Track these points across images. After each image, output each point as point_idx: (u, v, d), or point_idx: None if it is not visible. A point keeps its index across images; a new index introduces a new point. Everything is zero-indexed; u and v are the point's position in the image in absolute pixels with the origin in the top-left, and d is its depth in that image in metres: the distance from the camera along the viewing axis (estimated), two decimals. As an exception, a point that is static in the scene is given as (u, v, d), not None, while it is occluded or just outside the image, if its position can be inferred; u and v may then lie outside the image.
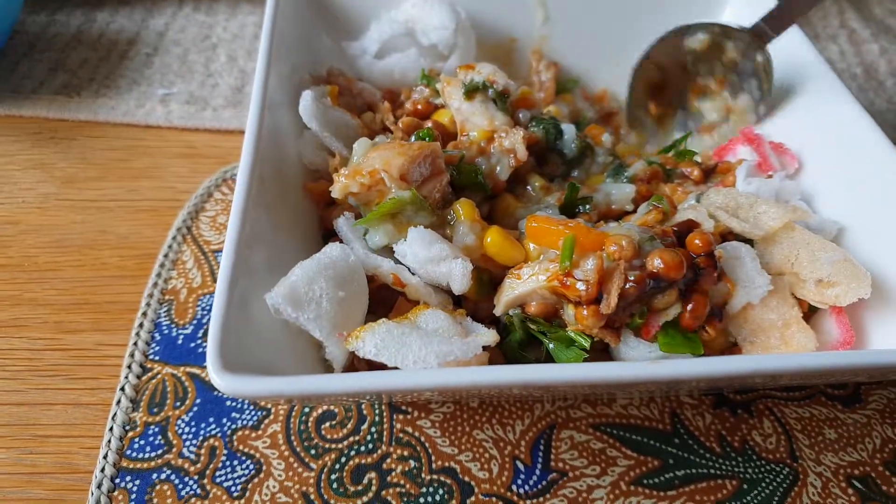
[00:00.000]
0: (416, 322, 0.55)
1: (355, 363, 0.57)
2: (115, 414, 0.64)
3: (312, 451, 0.62)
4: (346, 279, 0.55)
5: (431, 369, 0.50)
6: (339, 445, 0.62)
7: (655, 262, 0.53)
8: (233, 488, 0.59)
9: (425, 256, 0.58)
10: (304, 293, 0.52)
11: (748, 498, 0.60)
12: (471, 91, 0.71)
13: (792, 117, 0.75)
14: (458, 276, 0.57)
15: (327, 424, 0.64)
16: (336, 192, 0.62)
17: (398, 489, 0.60)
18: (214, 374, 0.44)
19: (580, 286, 0.54)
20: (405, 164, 0.60)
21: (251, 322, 0.50)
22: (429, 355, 0.51)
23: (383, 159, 0.61)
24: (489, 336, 0.55)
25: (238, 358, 0.46)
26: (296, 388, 0.45)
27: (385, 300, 0.61)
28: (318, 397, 0.52)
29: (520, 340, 0.60)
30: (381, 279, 0.59)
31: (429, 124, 0.73)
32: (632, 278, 0.53)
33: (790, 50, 0.76)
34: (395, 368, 0.51)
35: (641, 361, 0.52)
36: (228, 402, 0.65)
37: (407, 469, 0.61)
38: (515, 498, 0.59)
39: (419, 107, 0.77)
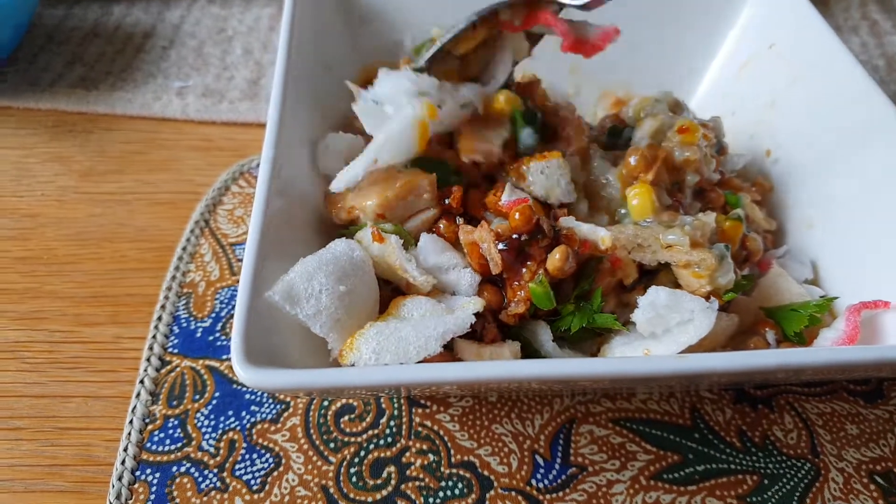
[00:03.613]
0: (401, 314, 0.55)
1: None
2: (135, 407, 0.64)
3: (332, 445, 0.62)
4: (349, 273, 0.54)
5: (455, 364, 0.49)
6: (359, 439, 0.62)
7: None
8: (252, 482, 0.60)
9: (434, 263, 0.59)
10: (304, 289, 0.51)
11: (769, 493, 0.59)
12: None
13: (814, 108, 0.74)
14: (466, 285, 0.59)
15: (346, 418, 0.64)
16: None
17: (417, 483, 0.60)
18: (238, 366, 0.44)
19: None
20: (379, 204, 0.62)
21: (274, 315, 0.50)
22: (429, 340, 0.50)
23: (364, 196, 0.63)
24: (476, 303, 0.56)
25: (261, 351, 0.46)
26: (319, 382, 0.45)
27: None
28: (341, 391, 0.52)
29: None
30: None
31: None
32: None
33: (812, 41, 0.75)
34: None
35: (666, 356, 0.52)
36: (247, 396, 0.65)
37: (426, 463, 0.61)
38: (535, 492, 0.59)
39: None
